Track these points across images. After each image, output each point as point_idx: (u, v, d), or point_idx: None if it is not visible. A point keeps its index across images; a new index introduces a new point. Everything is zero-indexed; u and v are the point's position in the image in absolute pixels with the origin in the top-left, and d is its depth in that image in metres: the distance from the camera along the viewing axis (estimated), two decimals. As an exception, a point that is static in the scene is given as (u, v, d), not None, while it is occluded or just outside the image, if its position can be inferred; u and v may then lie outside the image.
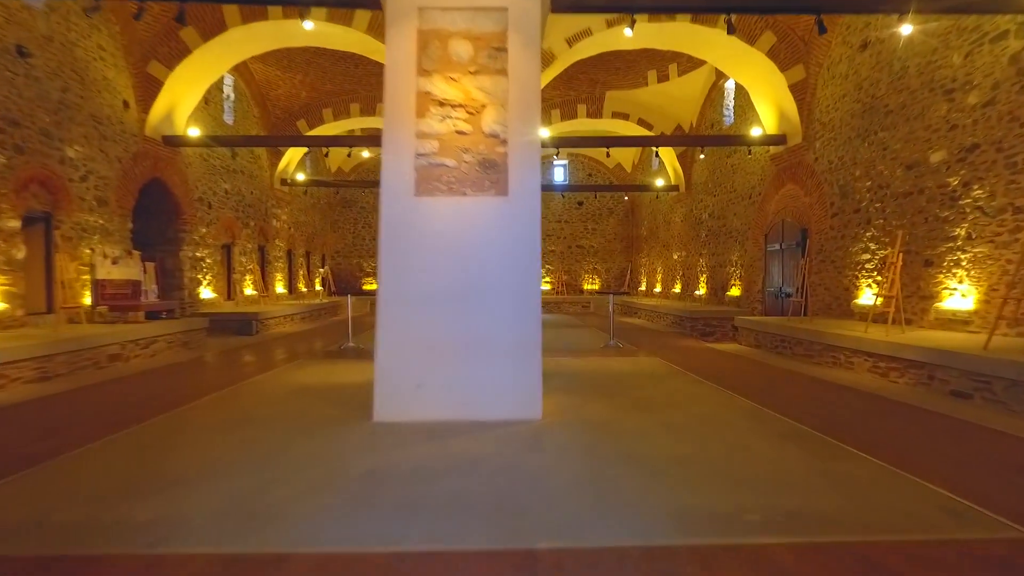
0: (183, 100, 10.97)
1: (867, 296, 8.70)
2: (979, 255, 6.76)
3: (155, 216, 11.32)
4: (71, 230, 8.65)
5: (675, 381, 6.29)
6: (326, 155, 17.36)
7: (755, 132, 11.47)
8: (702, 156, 15.26)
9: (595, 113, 16.12)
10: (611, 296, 10.25)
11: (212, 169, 12.99)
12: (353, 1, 7.78)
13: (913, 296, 7.75)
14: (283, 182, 16.65)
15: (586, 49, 11.22)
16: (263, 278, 15.56)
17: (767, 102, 10.99)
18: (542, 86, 11.93)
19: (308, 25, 8.35)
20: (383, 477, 3.23)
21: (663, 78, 14.52)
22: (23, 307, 7.73)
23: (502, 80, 4.70)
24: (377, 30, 10.44)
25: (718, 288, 14.43)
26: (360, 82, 15.08)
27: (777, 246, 11.44)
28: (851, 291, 9.19)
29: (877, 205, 8.54)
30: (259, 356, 8.61)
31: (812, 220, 10.26)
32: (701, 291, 15.53)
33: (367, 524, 2.64)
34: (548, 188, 21.84)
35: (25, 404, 5.23)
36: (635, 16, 7.87)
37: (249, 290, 14.70)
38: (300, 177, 17.43)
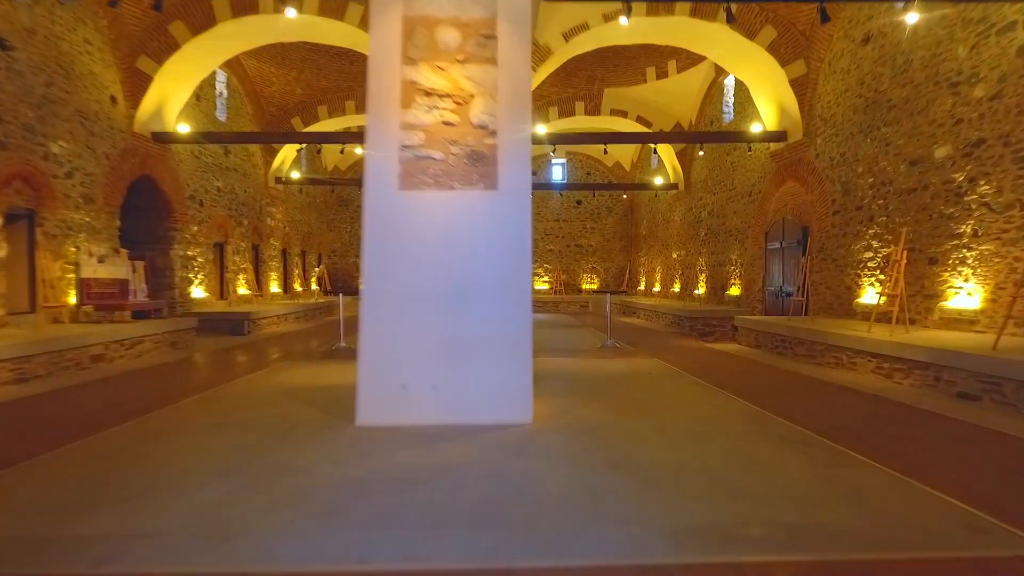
0: (173, 96, 10.76)
1: (870, 295, 8.51)
2: (985, 252, 6.56)
3: (145, 214, 11.11)
4: (55, 228, 8.44)
5: (673, 383, 6.10)
6: (318, 152, 17.16)
7: (755, 129, 11.27)
8: (701, 154, 15.08)
9: (593, 110, 15.92)
10: (608, 296, 10.05)
11: (204, 166, 12.78)
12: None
13: (917, 295, 7.55)
14: (278, 180, 16.42)
15: (583, 44, 10.99)
16: (257, 277, 15.37)
17: (767, 98, 10.78)
18: (538, 82, 11.83)
19: (291, 13, 8.13)
20: (359, 487, 3.03)
21: (662, 75, 14.33)
22: (4, 307, 7.52)
23: (491, 69, 4.50)
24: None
25: (717, 287, 14.23)
26: (356, 79, 14.85)
27: (777, 244, 11.24)
28: (853, 290, 8.99)
29: (880, 202, 8.34)
30: (248, 357, 8.41)
31: (813, 218, 10.07)
32: (700, 290, 15.33)
33: (337, 539, 2.44)
34: (546, 187, 21.69)
35: (-3, 407, 5.03)
36: (631, 4, 7.56)
37: (243, 289, 14.50)
38: (295, 175, 17.22)
